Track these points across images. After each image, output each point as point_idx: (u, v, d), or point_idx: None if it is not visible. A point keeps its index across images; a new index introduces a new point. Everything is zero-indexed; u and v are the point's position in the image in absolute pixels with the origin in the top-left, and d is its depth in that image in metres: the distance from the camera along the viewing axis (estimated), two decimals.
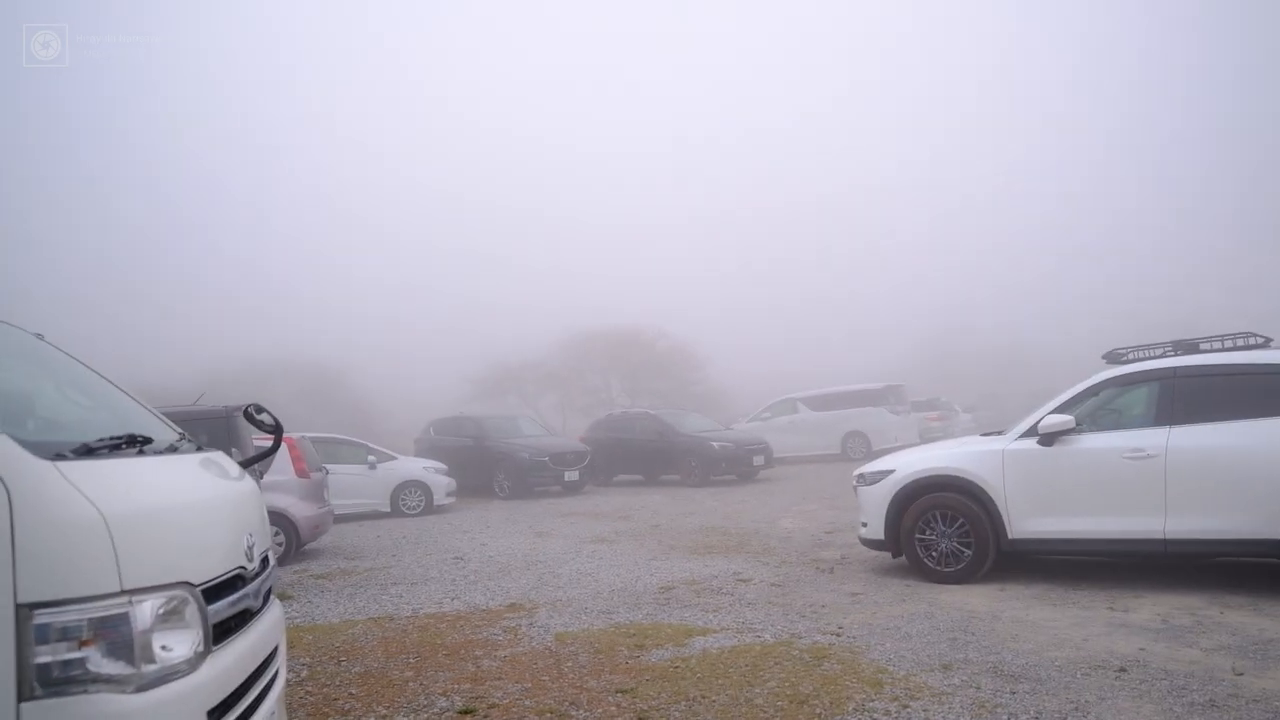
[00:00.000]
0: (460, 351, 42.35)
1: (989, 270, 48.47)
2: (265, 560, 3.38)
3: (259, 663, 2.99)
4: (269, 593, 3.35)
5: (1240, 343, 7.21)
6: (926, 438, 24.76)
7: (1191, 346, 7.33)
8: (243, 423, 8.60)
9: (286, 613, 7.54)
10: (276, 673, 3.33)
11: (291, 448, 10.99)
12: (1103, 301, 42.56)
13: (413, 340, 44.71)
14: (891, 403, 24.51)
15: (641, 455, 20.54)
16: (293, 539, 10.60)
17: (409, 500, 16.02)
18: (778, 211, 54.94)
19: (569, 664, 5.42)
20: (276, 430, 3.96)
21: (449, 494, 16.55)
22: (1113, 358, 7.80)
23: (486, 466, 18.79)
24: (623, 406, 32.80)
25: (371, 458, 15.99)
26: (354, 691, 5.08)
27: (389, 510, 15.88)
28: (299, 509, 10.67)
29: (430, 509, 16.11)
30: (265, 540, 3.39)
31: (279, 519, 10.41)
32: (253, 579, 3.04)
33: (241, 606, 2.84)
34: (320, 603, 7.98)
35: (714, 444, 19.54)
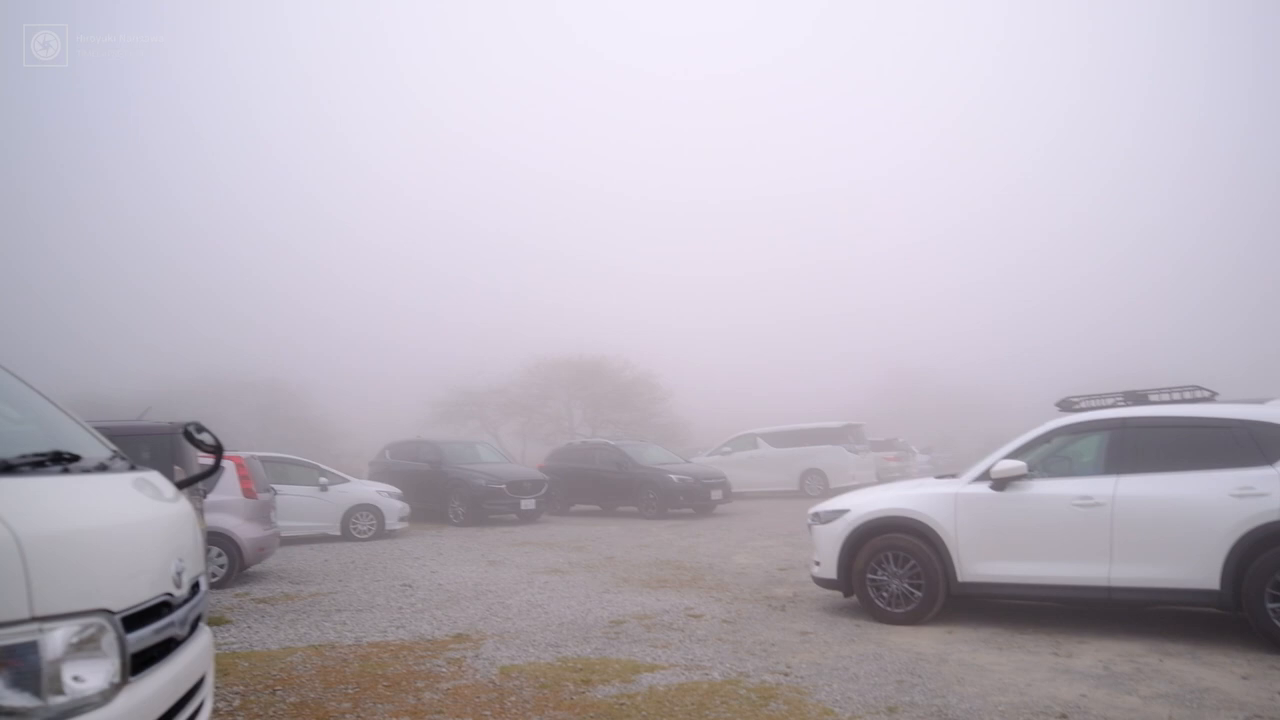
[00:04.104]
0: (423, 374, 42.04)
1: (949, 314, 49.14)
2: (196, 586, 3.28)
3: (182, 694, 2.88)
4: (198, 620, 3.24)
5: (1188, 396, 7.35)
6: (884, 477, 24.92)
7: (1141, 398, 7.44)
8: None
9: (223, 638, 7.35)
10: (202, 704, 3.22)
11: (239, 467, 10.77)
12: (1062, 352, 43.28)
13: (376, 361, 44.26)
14: (850, 441, 24.67)
15: (600, 486, 20.45)
16: (236, 561, 10.35)
17: (360, 524, 15.74)
18: (743, 240, 55.20)
19: (512, 698, 5.31)
20: (217, 450, 3.86)
21: (402, 519, 16.31)
22: (1066, 405, 7.89)
23: (442, 492, 18.57)
24: (583, 436, 32.67)
25: (323, 479, 15.71)
26: None
27: (339, 534, 15.58)
28: (243, 530, 10.43)
29: (382, 534, 15.84)
30: (197, 565, 3.28)
31: (222, 540, 10.17)
32: (180, 606, 2.94)
33: (166, 635, 2.73)
34: (260, 628, 7.78)
35: (672, 476, 19.50)
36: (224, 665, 6.33)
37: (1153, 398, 7.42)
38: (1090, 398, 7.84)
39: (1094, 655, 6.13)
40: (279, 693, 5.56)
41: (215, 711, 5.19)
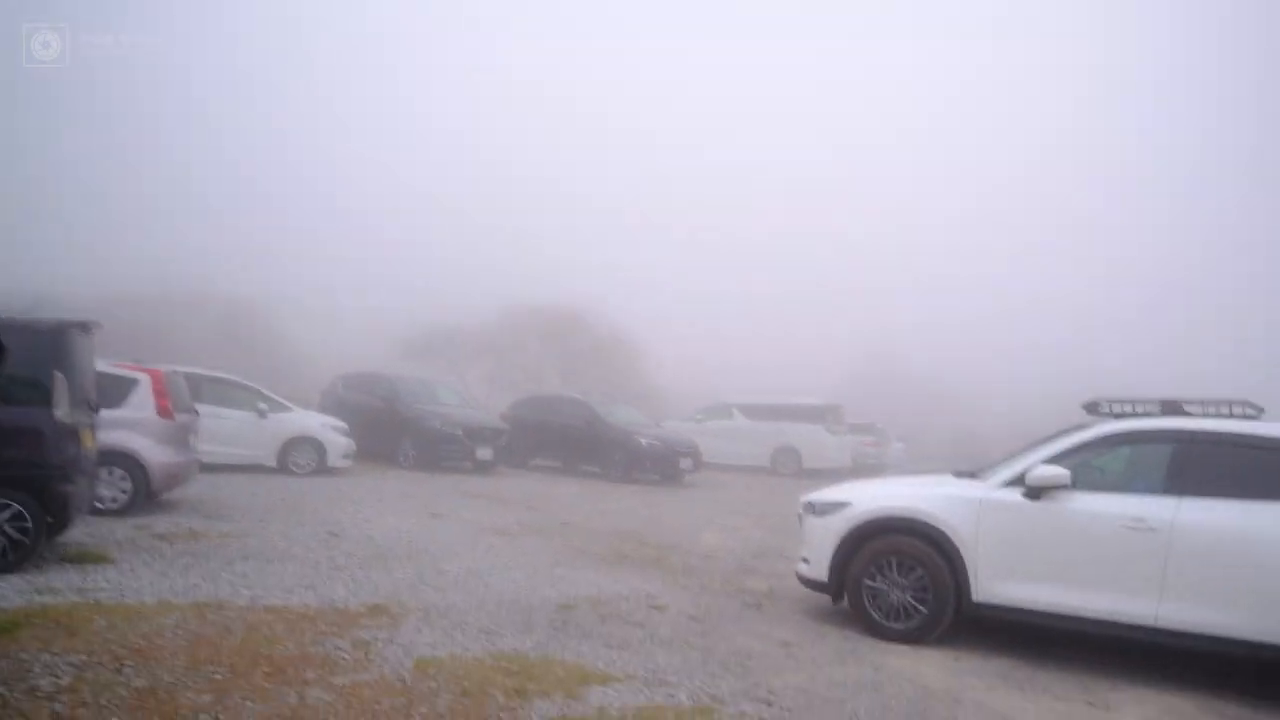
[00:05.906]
0: (394, 303, 40.46)
1: (935, 304, 48.17)
2: None
3: None
4: None
5: (1236, 411, 6.23)
6: (859, 463, 24.02)
7: (1176, 407, 6.36)
8: (83, 345, 7.12)
9: (95, 582, 6.13)
10: None
11: (155, 382, 9.47)
12: (1041, 355, 42.42)
13: (347, 285, 42.50)
14: (829, 422, 23.57)
15: (563, 441, 19.27)
16: (141, 486, 9.07)
17: (299, 458, 14.43)
18: (737, 204, 53.74)
19: (423, 709, 4.14)
20: None
21: (345, 456, 15.01)
22: (1093, 409, 6.82)
23: (393, 432, 17.25)
24: (553, 388, 31.49)
25: (263, 405, 14.33)
26: None
27: (275, 466, 14.29)
28: (153, 453, 9.15)
29: (322, 470, 14.57)
30: None
31: (126, 461, 8.92)
32: None
33: None
34: (144, 573, 6.55)
35: (641, 440, 18.36)
36: (77, 621, 5.12)
37: (1189, 409, 6.33)
38: (1120, 401, 6.76)
39: (1136, 710, 5.07)
40: (126, 670, 4.34)
41: (32, 691, 4.00)
